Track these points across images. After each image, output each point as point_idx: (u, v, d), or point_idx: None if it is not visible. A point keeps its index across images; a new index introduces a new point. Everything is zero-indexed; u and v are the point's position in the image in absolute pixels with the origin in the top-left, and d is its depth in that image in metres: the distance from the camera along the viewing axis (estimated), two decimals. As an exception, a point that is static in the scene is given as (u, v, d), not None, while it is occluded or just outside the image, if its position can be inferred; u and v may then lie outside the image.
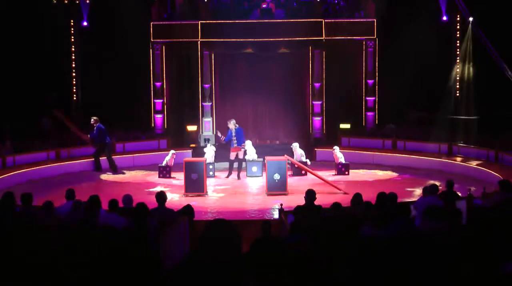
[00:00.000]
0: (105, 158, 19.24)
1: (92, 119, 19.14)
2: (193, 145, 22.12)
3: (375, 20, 22.44)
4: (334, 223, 8.01)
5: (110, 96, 22.09)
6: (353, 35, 22.66)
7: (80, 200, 9.59)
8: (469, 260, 4.84)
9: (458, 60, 23.22)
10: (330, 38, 22.44)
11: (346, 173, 18.72)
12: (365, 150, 21.45)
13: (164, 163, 18.47)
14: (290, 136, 22.55)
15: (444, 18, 23.22)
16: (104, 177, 18.78)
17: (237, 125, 18.07)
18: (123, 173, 19.30)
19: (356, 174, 18.80)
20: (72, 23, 23.33)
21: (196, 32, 22.28)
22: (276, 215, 12.66)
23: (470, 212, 9.90)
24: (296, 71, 23.16)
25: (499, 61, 19.51)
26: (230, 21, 22.12)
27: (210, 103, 22.78)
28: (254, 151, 18.48)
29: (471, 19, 21.18)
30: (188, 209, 11.50)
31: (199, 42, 22.38)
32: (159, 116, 22.94)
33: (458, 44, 23.29)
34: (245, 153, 18.29)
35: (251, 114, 23.31)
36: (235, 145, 17.91)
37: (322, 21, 22.35)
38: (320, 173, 17.30)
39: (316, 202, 10.04)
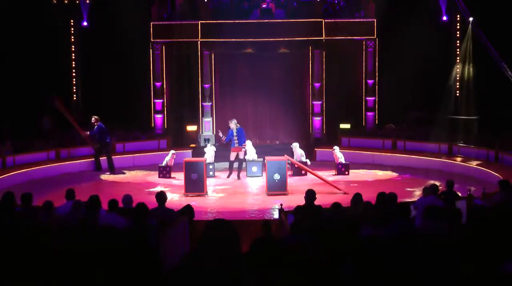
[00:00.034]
0: (105, 158, 19.24)
1: (93, 118, 19.14)
2: (193, 145, 22.12)
3: (375, 20, 22.45)
4: (334, 223, 8.01)
5: (110, 96, 22.09)
6: (353, 35, 22.66)
7: (80, 200, 9.59)
8: (469, 260, 4.84)
9: (458, 60, 23.22)
10: (330, 38, 22.45)
11: (346, 173, 18.72)
12: (365, 150, 21.45)
13: (164, 163, 18.47)
14: (290, 136, 22.55)
15: (444, 18, 23.23)
16: (104, 177, 18.79)
17: (238, 125, 18.08)
18: (123, 173, 19.31)
19: (356, 174, 18.80)
20: (72, 23, 23.33)
21: (196, 32, 22.29)
22: (276, 215, 12.67)
23: (470, 212, 9.88)
24: (296, 71, 23.18)
25: (499, 61, 19.51)
26: (230, 21, 22.13)
27: (210, 103, 22.79)
28: (254, 151, 18.48)
29: (471, 19, 21.18)
30: (188, 209, 11.53)
31: (199, 42, 22.39)
32: (159, 116, 22.95)
33: (458, 44, 23.30)
34: (245, 153, 18.30)
35: (251, 114, 23.31)
36: (236, 145, 17.91)
37: (322, 21, 22.35)
38: (320, 173, 17.30)
39: (316, 202, 10.04)
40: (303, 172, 18.20)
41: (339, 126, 22.70)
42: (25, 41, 21.27)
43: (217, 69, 23.19)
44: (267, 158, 16.47)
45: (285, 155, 16.81)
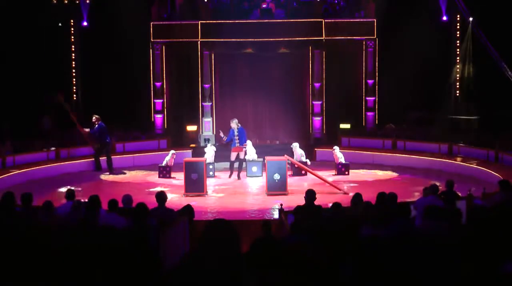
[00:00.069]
0: (105, 158, 19.24)
1: (93, 117, 19.13)
2: (193, 145, 22.12)
3: (375, 20, 22.44)
4: (334, 223, 8.01)
5: (110, 96, 22.09)
6: (353, 35, 22.66)
7: (80, 200, 9.60)
8: (469, 260, 4.84)
9: (458, 60, 23.22)
10: (330, 38, 22.44)
11: (346, 173, 18.72)
12: (365, 149, 21.45)
13: (164, 163, 18.47)
14: (290, 136, 22.54)
15: (444, 18, 23.23)
16: (104, 177, 18.78)
17: (239, 125, 18.08)
18: (124, 173, 19.31)
19: (356, 174, 18.80)
20: (72, 23, 23.33)
21: (196, 32, 22.29)
22: (276, 215, 12.67)
23: (470, 212, 9.88)
24: (296, 71, 23.18)
25: (499, 61, 19.51)
26: (230, 21, 22.13)
27: (210, 103, 22.79)
28: (254, 151, 18.48)
29: (471, 19, 21.19)
30: (188, 209, 11.54)
31: (199, 42, 22.38)
32: (159, 116, 22.95)
33: (458, 44, 23.30)
34: (245, 153, 18.30)
35: (251, 114, 23.30)
36: (237, 144, 17.91)
37: (322, 21, 22.35)
38: (320, 173, 17.30)
39: (316, 202, 10.04)
40: (303, 172, 18.20)
41: (339, 126, 22.70)
42: (25, 41, 21.26)
43: (217, 69, 23.19)
44: (267, 158, 16.47)
45: (285, 155, 16.80)
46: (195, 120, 22.68)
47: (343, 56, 22.95)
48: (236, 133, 17.92)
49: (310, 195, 9.99)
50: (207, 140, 21.35)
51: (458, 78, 23.23)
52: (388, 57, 22.17)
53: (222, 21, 22.22)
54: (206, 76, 22.68)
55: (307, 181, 17.51)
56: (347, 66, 23.02)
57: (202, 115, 22.75)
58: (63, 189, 14.59)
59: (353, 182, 17.58)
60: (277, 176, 15.88)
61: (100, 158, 19.33)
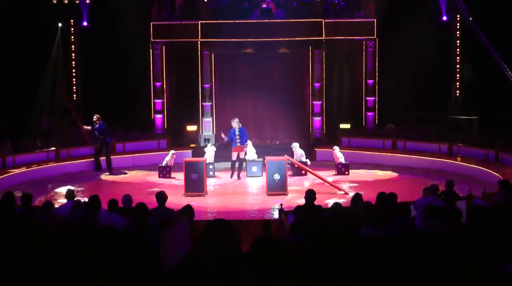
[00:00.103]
0: (104, 158, 19.23)
1: (94, 117, 19.13)
2: (193, 145, 22.11)
3: (375, 20, 22.44)
4: (334, 223, 8.01)
5: (110, 96, 22.10)
6: (353, 35, 22.65)
7: (80, 200, 9.60)
8: (469, 260, 4.84)
9: (458, 60, 23.22)
10: (330, 38, 22.44)
11: (346, 173, 18.71)
12: (365, 150, 21.44)
13: (164, 163, 18.47)
14: (290, 136, 22.54)
15: (444, 18, 23.23)
16: (104, 177, 18.79)
17: (240, 124, 18.08)
18: (125, 173, 19.31)
19: (356, 174, 18.79)
20: (72, 23, 23.33)
21: (196, 32, 22.28)
22: (276, 215, 12.67)
23: (470, 212, 9.89)
24: (296, 71, 23.18)
25: (499, 61, 19.50)
26: (230, 21, 22.12)
27: (210, 103, 22.78)
28: (254, 151, 18.48)
29: (471, 19, 21.16)
30: (188, 209, 11.54)
31: (199, 42, 22.38)
32: (159, 116, 22.94)
33: (458, 44, 23.29)
34: (245, 153, 18.29)
35: (251, 114, 23.30)
36: (238, 144, 17.91)
37: (322, 21, 22.35)
38: (320, 173, 17.30)
39: (316, 202, 10.04)
40: (303, 172, 18.20)
41: (339, 126, 22.69)
42: (25, 41, 21.26)
43: (217, 69, 23.19)
44: (267, 158, 16.47)
45: (285, 155, 16.81)
46: (195, 120, 22.68)
47: (343, 56, 22.96)
48: (237, 132, 17.91)
49: (310, 195, 9.99)
50: (207, 140, 21.34)
51: (458, 78, 23.23)
52: (388, 57, 22.17)
53: (222, 21, 22.21)
54: (206, 76, 22.67)
55: (307, 181, 17.50)
56: (347, 66, 23.03)
57: (202, 115, 22.75)
58: (63, 189, 14.59)
59: (353, 182, 17.58)
60: (277, 176, 15.88)
61: (100, 158, 19.33)
